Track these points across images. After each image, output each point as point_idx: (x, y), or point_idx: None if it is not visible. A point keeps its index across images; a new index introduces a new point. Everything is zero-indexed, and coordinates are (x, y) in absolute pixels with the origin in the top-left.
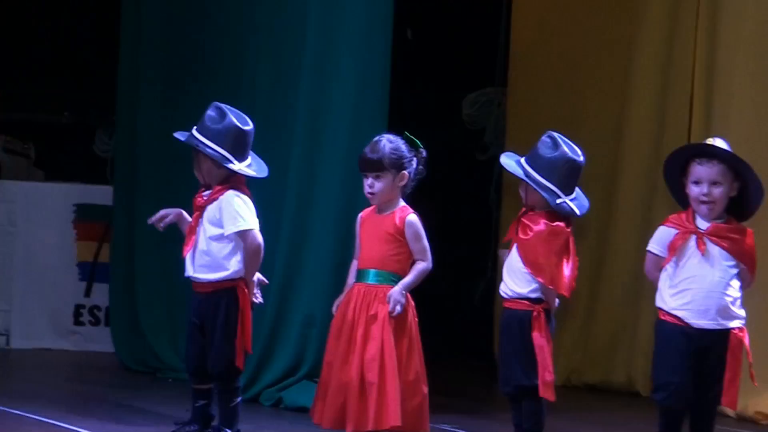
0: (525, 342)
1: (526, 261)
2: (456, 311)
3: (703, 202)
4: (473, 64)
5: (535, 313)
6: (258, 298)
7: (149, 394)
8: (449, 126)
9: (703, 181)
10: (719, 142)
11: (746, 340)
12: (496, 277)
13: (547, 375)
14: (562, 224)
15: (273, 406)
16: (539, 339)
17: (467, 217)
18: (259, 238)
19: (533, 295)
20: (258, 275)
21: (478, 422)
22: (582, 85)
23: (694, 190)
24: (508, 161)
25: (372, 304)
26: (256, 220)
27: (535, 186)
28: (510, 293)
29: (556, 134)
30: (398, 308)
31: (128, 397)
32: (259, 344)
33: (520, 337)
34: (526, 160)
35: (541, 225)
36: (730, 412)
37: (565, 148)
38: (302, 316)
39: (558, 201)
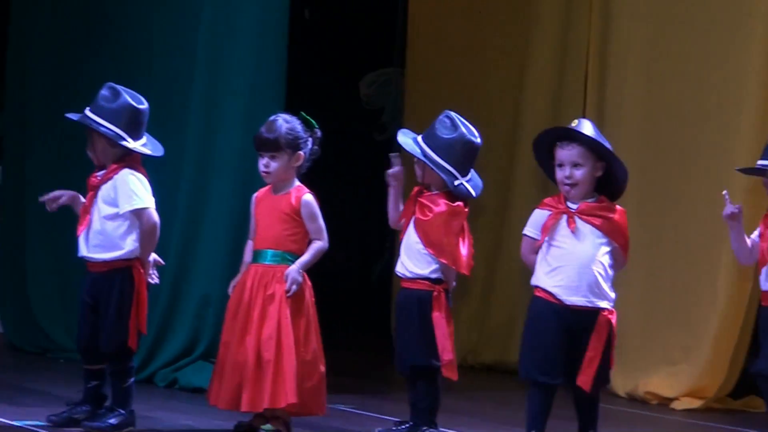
0: (424, 322)
1: (427, 242)
2: (354, 292)
3: (566, 185)
4: (371, 44)
5: (435, 293)
6: (154, 279)
7: (40, 374)
8: (347, 106)
9: (565, 164)
10: (585, 125)
11: (614, 321)
12: (393, 258)
13: (447, 355)
14: (461, 204)
15: (167, 386)
16: (440, 319)
17: (365, 197)
18: (155, 216)
19: (433, 276)
20: (154, 255)
21: (375, 402)
22: (480, 65)
23: (558, 173)
24: (405, 139)
25: (269, 284)
26: (152, 199)
27: (432, 166)
28: (409, 273)
29: (453, 114)
30: (294, 287)
31: (18, 377)
32: (154, 324)
33: (419, 317)
34: (423, 139)
35: (441, 206)
36: (620, 391)
37: (463, 129)
38: (198, 296)
39: (456, 183)
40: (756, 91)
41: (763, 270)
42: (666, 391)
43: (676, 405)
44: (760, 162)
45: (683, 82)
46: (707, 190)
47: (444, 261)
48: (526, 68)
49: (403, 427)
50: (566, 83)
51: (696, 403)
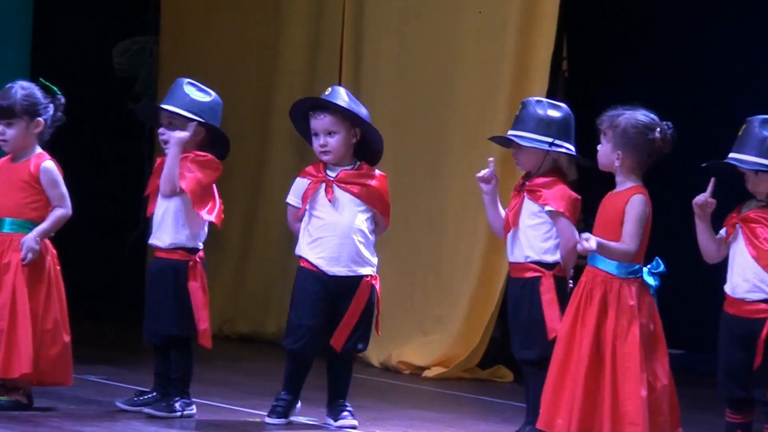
0: (179, 291)
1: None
2: (106, 262)
3: (323, 153)
4: (125, 12)
5: (191, 263)
6: None
7: None
8: (99, 75)
9: (320, 133)
10: (339, 92)
11: (377, 287)
12: (147, 228)
13: (202, 324)
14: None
15: None
16: (196, 289)
17: (118, 166)
18: None
19: (190, 245)
20: None
21: (124, 372)
22: (233, 33)
23: (314, 142)
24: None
25: (5, 252)
26: None
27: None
28: (165, 244)
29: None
30: (30, 255)
31: None
32: None
33: (174, 286)
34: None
35: (197, 173)
36: (374, 361)
37: (213, 93)
38: None
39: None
40: (511, 59)
41: (508, 238)
42: (418, 361)
43: (427, 374)
44: (510, 132)
45: (437, 48)
46: (463, 159)
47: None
48: (280, 35)
49: (147, 397)
50: (321, 49)
51: (446, 372)
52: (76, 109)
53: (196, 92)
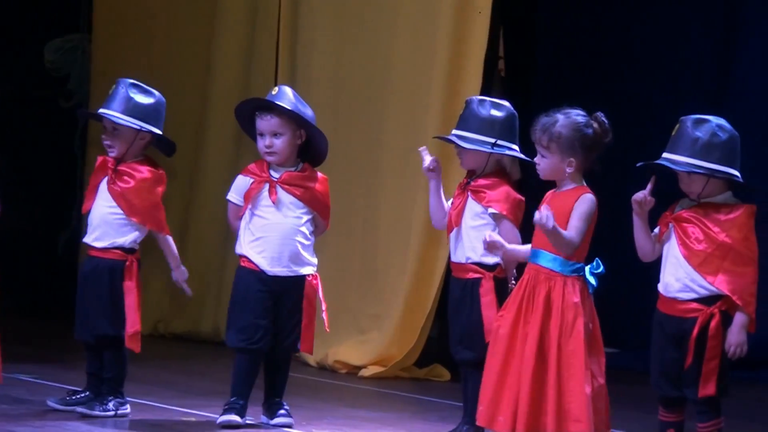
0: (114, 291)
1: (130, 209)
2: (38, 260)
3: (267, 153)
4: (57, 10)
5: (128, 263)
6: None
7: None
8: (31, 72)
9: (265, 134)
10: (286, 93)
11: (319, 287)
12: (80, 227)
13: (133, 326)
14: (162, 171)
15: None
16: (131, 289)
17: (50, 165)
18: None
19: (127, 245)
20: None
21: (55, 371)
22: (168, 30)
23: (259, 142)
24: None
25: None
26: None
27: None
28: (101, 243)
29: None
30: None
31: None
32: None
33: (110, 286)
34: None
35: (144, 172)
36: (310, 360)
37: (156, 93)
38: None
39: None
40: (445, 57)
41: (451, 237)
42: (355, 360)
43: (364, 373)
44: (454, 132)
45: (373, 48)
46: (398, 158)
47: (152, 228)
48: (215, 34)
49: (79, 396)
50: (257, 47)
51: (383, 372)
52: (8, 107)
53: (139, 95)
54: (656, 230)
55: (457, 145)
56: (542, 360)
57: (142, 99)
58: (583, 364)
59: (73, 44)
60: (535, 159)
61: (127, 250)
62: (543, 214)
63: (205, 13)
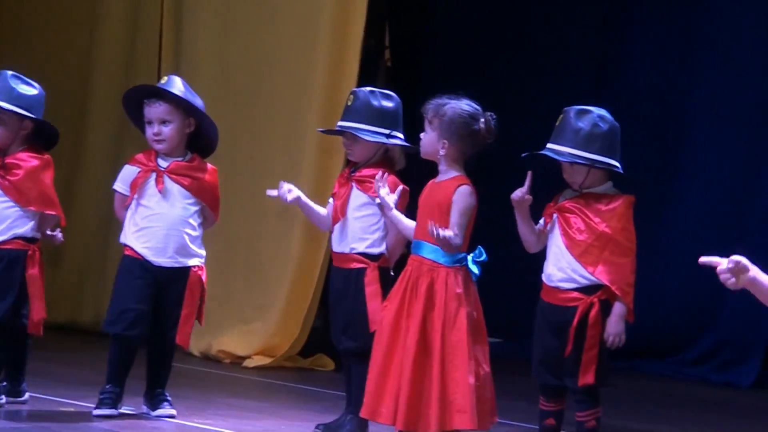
0: (14, 281)
1: (24, 200)
2: None
3: (156, 141)
4: None
5: (30, 252)
6: None
7: None
8: None
9: (153, 121)
10: (175, 81)
11: (204, 279)
12: None
13: (38, 313)
14: (48, 156)
15: None
16: (35, 278)
17: None
18: None
19: (29, 234)
20: None
21: None
22: (49, 18)
23: (147, 130)
24: None
25: None
26: None
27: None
28: (3, 237)
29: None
30: None
31: None
32: None
33: (10, 276)
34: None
35: (31, 161)
36: (194, 350)
37: (37, 85)
38: None
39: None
40: (327, 46)
41: (335, 228)
42: (239, 350)
43: (248, 363)
44: (345, 123)
45: (255, 42)
46: (281, 150)
47: (53, 212)
48: (97, 28)
49: None
50: (140, 33)
51: (267, 361)
52: None
53: (22, 86)
54: (541, 222)
55: (348, 136)
56: (425, 351)
57: (25, 90)
58: (466, 355)
59: None
60: (421, 134)
61: (29, 240)
62: (432, 229)
63: (86, 7)
